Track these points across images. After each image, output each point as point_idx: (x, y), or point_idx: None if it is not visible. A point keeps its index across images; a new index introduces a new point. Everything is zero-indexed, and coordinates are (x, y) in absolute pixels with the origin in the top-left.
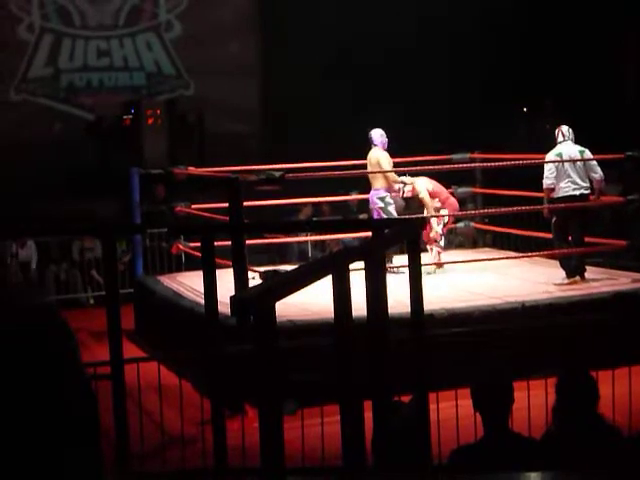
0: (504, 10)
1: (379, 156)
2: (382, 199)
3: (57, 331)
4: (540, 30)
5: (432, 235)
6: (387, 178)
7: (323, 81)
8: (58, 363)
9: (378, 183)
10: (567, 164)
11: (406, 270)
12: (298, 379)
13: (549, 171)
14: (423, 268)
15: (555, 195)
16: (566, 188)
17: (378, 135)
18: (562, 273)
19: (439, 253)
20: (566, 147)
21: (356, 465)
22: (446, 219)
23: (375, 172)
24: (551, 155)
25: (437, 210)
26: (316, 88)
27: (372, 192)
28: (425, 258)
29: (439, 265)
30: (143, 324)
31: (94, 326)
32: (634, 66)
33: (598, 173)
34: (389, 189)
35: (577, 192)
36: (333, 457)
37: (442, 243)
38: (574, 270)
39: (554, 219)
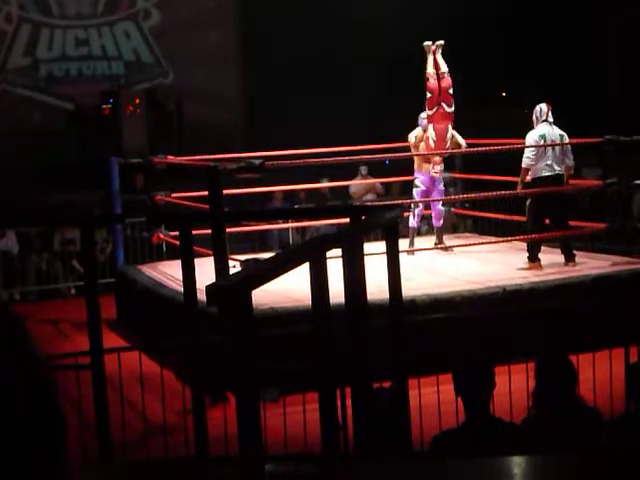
0: None
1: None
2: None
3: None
4: (521, 17)
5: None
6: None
7: (304, 68)
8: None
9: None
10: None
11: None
12: (280, 366)
13: (532, 152)
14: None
15: (530, 177)
16: (542, 170)
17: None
18: (547, 257)
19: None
20: (548, 128)
21: (335, 452)
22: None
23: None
24: (535, 135)
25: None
26: (297, 75)
27: None
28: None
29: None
30: (125, 314)
31: (76, 316)
32: (615, 51)
33: (572, 160)
34: (419, 170)
35: (551, 174)
36: (315, 444)
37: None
38: (535, 256)
39: (528, 202)
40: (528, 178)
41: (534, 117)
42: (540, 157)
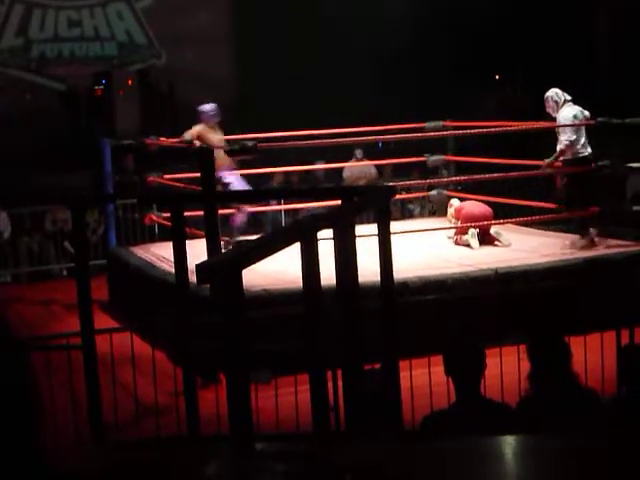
0: None
1: None
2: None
3: None
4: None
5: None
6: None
7: (299, 47)
8: None
9: None
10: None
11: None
12: (272, 348)
13: (571, 131)
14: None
15: (568, 157)
16: (582, 150)
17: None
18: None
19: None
20: (577, 108)
21: (325, 431)
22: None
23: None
24: (569, 115)
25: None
26: (292, 54)
27: None
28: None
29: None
30: (117, 295)
31: (67, 297)
32: (605, 30)
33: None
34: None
35: (587, 154)
36: (307, 425)
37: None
38: (588, 232)
39: (565, 180)
40: (561, 158)
41: (551, 102)
42: (579, 137)
